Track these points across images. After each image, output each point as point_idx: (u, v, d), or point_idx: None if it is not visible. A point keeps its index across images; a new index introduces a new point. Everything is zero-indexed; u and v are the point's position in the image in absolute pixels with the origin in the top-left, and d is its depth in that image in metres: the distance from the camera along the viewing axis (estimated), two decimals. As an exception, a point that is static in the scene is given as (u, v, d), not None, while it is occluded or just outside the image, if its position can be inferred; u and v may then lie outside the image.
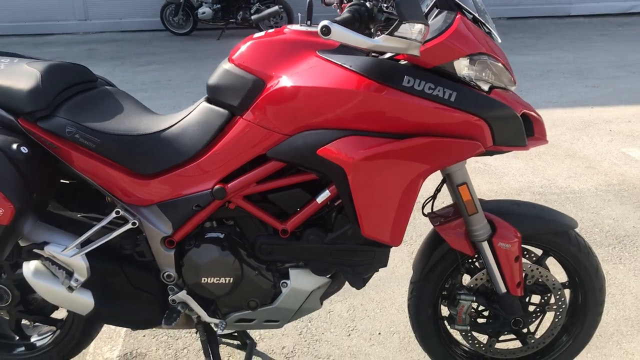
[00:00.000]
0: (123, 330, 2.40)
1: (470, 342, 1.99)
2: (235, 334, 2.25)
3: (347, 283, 1.89)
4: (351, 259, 1.77)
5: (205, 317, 1.84)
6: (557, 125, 4.90)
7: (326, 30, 1.38)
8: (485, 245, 1.80)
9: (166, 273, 1.80)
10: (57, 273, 1.75)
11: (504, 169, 4.02)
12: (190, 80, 6.61)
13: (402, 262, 2.86)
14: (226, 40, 8.87)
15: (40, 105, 1.68)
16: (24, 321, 2.12)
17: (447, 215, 1.89)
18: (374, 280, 2.69)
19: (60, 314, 2.08)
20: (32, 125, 1.69)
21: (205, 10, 9.12)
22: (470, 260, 1.94)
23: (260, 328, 1.92)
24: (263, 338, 2.35)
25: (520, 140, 1.65)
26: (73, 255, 1.74)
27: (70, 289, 1.75)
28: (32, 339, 2.11)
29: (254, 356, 2.25)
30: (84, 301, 1.80)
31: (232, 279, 1.77)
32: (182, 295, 1.82)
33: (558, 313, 1.95)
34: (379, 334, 2.38)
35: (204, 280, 1.78)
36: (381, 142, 1.56)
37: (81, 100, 1.77)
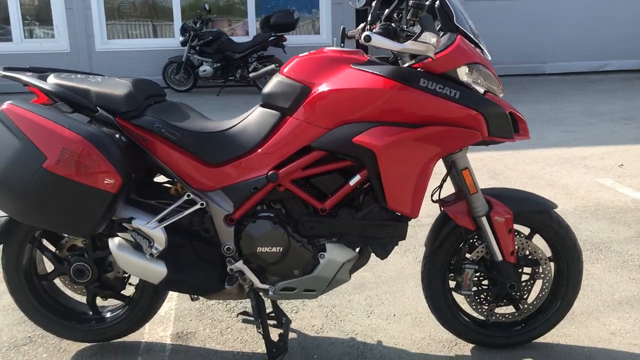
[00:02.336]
0: (172, 315, 2.77)
1: (474, 306, 2.39)
2: (273, 314, 2.63)
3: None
4: (376, 232, 2.19)
5: (257, 283, 2.24)
6: (538, 161, 5.43)
7: (368, 38, 1.88)
8: (484, 220, 2.24)
9: (226, 246, 2.21)
10: (142, 242, 2.15)
11: (492, 195, 4.48)
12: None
13: (408, 264, 3.27)
14: (225, 96, 9.44)
15: (133, 106, 2.13)
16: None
17: (451, 200, 2.33)
18: (385, 277, 3.12)
19: (128, 292, 2.46)
20: (126, 122, 2.14)
21: (206, 69, 9.72)
22: (471, 239, 2.37)
23: (299, 297, 2.31)
24: (295, 319, 2.73)
25: (508, 133, 2.12)
26: (154, 228, 2.14)
27: (152, 255, 2.15)
28: (104, 314, 2.48)
29: (289, 332, 2.61)
30: (158, 270, 2.19)
31: (281, 248, 2.18)
32: (239, 264, 2.22)
33: (545, 281, 2.37)
34: (394, 315, 2.77)
35: (259, 249, 2.18)
36: (403, 130, 2.02)
37: (160, 106, 2.23)
